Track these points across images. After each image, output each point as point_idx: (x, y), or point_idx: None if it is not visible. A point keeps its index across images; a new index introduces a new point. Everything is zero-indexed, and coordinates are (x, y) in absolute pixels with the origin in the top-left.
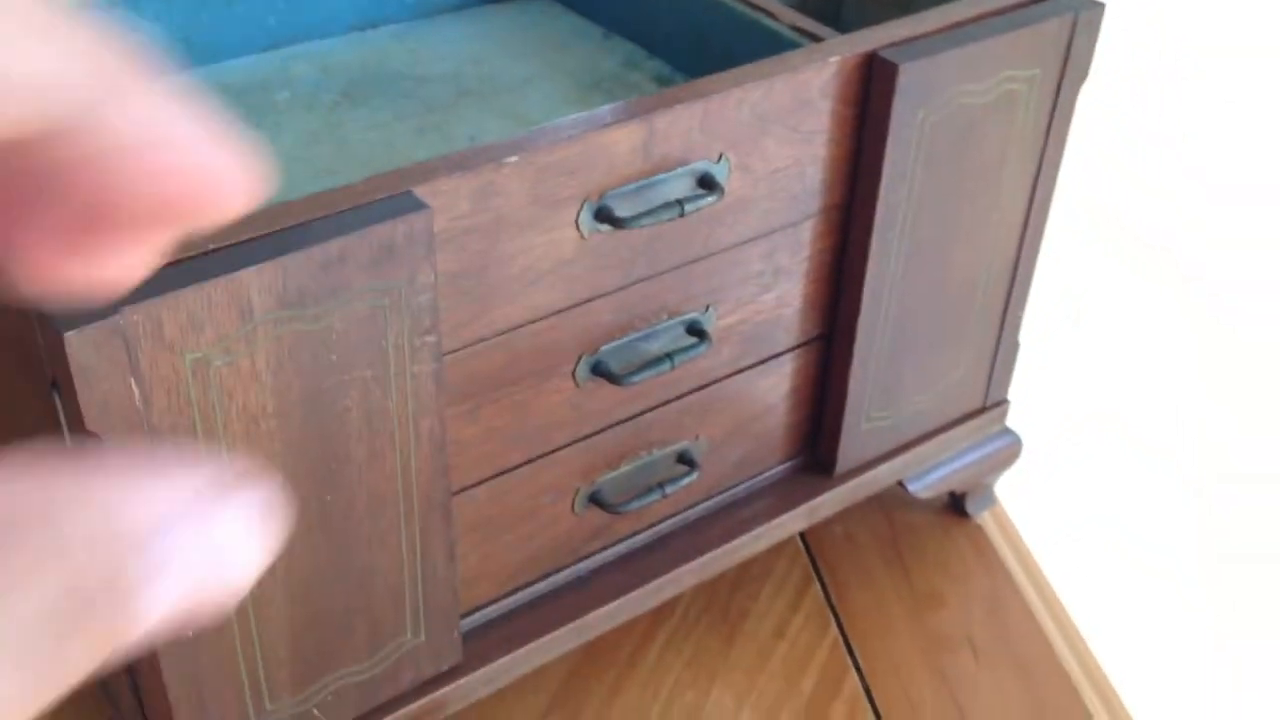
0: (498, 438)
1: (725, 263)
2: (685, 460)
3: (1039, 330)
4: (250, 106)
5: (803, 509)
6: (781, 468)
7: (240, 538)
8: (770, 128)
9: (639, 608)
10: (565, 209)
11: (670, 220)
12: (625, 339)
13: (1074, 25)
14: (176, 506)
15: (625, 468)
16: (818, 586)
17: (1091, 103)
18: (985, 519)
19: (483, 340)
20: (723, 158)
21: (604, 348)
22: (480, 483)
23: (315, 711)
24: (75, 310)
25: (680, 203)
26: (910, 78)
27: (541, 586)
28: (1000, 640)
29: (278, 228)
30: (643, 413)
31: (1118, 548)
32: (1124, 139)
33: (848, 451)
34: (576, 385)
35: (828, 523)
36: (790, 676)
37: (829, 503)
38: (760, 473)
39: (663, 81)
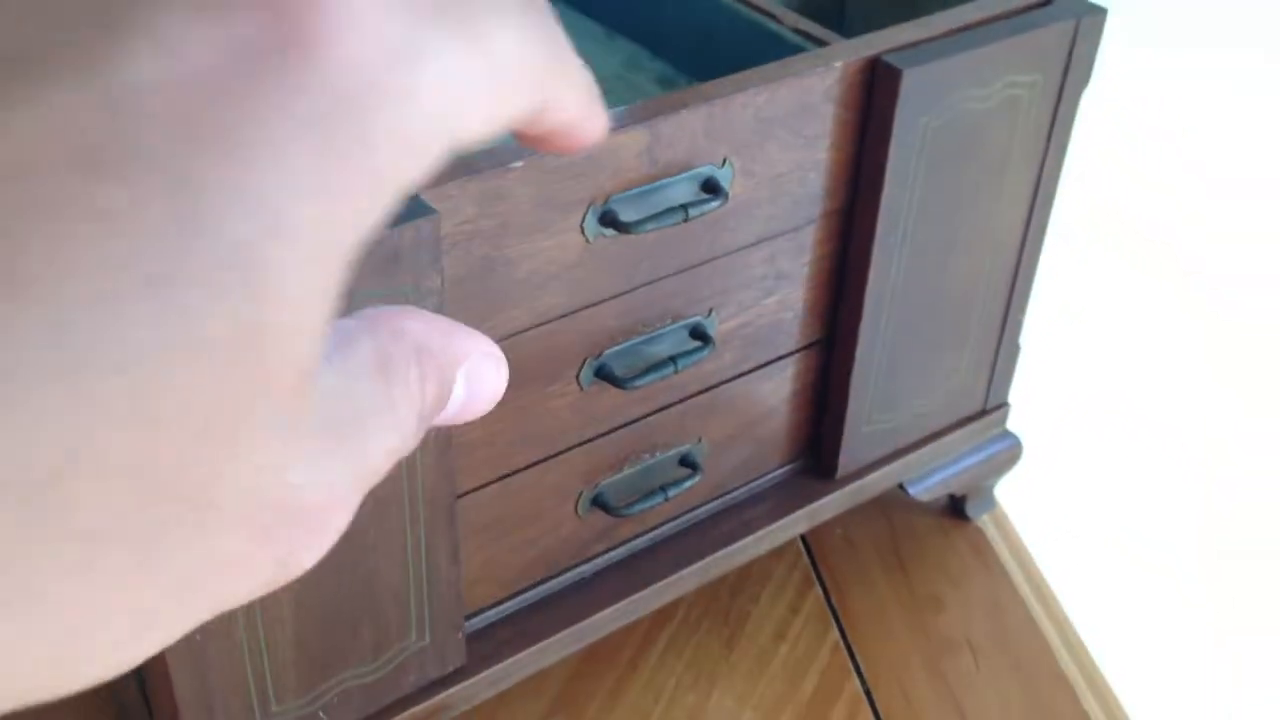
0: (502, 441)
1: (728, 267)
2: (687, 463)
3: (1040, 333)
4: None
5: (804, 512)
6: (783, 470)
7: (494, 375)
8: (773, 132)
9: (641, 610)
10: (570, 213)
11: (674, 225)
12: (629, 343)
13: (1076, 30)
14: (473, 345)
15: (628, 470)
16: (818, 589)
17: (1093, 106)
18: (985, 521)
19: None
20: (726, 162)
21: (608, 351)
22: (484, 485)
23: (321, 713)
24: None
25: (685, 207)
26: (913, 83)
27: (545, 589)
28: (1000, 642)
29: None
30: (646, 416)
31: (1117, 550)
32: (1125, 142)
33: (849, 454)
34: (580, 389)
35: (828, 525)
36: (791, 679)
37: (830, 505)
38: (761, 475)
39: (666, 83)
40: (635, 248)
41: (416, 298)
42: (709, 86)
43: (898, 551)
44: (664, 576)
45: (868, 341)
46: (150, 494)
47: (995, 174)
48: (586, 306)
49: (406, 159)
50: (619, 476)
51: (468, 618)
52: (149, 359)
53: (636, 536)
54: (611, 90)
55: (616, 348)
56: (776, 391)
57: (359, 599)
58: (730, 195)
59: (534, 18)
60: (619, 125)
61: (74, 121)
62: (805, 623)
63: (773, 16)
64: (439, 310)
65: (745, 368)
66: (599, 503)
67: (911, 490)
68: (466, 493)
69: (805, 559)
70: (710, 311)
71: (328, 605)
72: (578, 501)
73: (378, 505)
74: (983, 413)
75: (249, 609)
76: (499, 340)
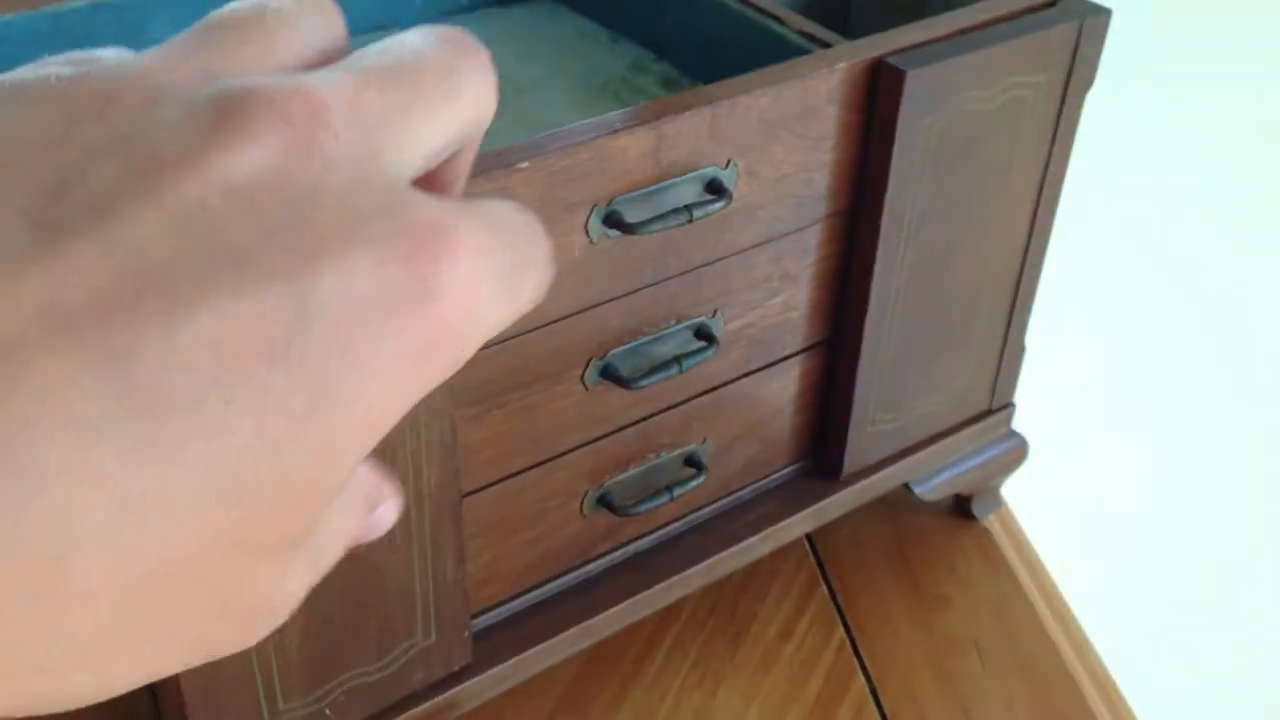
0: (507, 441)
1: (733, 268)
2: (693, 463)
3: (1045, 333)
4: None
5: (809, 511)
6: (788, 470)
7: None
8: (778, 134)
9: (647, 609)
10: (575, 214)
11: (679, 226)
12: (634, 343)
13: (1080, 32)
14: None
15: (633, 470)
16: (824, 589)
17: (1097, 107)
18: (991, 521)
19: (494, 344)
20: (731, 163)
21: (613, 352)
22: (489, 485)
23: (327, 711)
24: None
25: (689, 208)
26: (917, 84)
27: (550, 588)
28: (1006, 643)
29: None
30: (651, 416)
31: (1123, 549)
32: (1129, 142)
33: (854, 454)
34: (585, 389)
35: (834, 525)
36: (797, 679)
37: (835, 505)
38: (767, 475)
39: (670, 85)
40: (640, 248)
41: None
42: (713, 88)
43: (903, 551)
44: (669, 576)
45: (873, 342)
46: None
47: (1000, 175)
48: (591, 307)
49: (442, 376)
50: (624, 476)
51: (473, 617)
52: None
53: (642, 536)
54: (616, 92)
55: (621, 348)
56: (782, 392)
57: (366, 598)
58: (734, 196)
59: (547, 264)
60: (624, 127)
61: (268, 317)
62: (811, 622)
63: (777, 19)
64: None
65: (750, 368)
66: (604, 502)
67: (917, 490)
68: (471, 492)
69: (811, 558)
70: (715, 312)
71: (334, 604)
72: (583, 501)
73: None
74: (988, 413)
75: None
76: (504, 341)
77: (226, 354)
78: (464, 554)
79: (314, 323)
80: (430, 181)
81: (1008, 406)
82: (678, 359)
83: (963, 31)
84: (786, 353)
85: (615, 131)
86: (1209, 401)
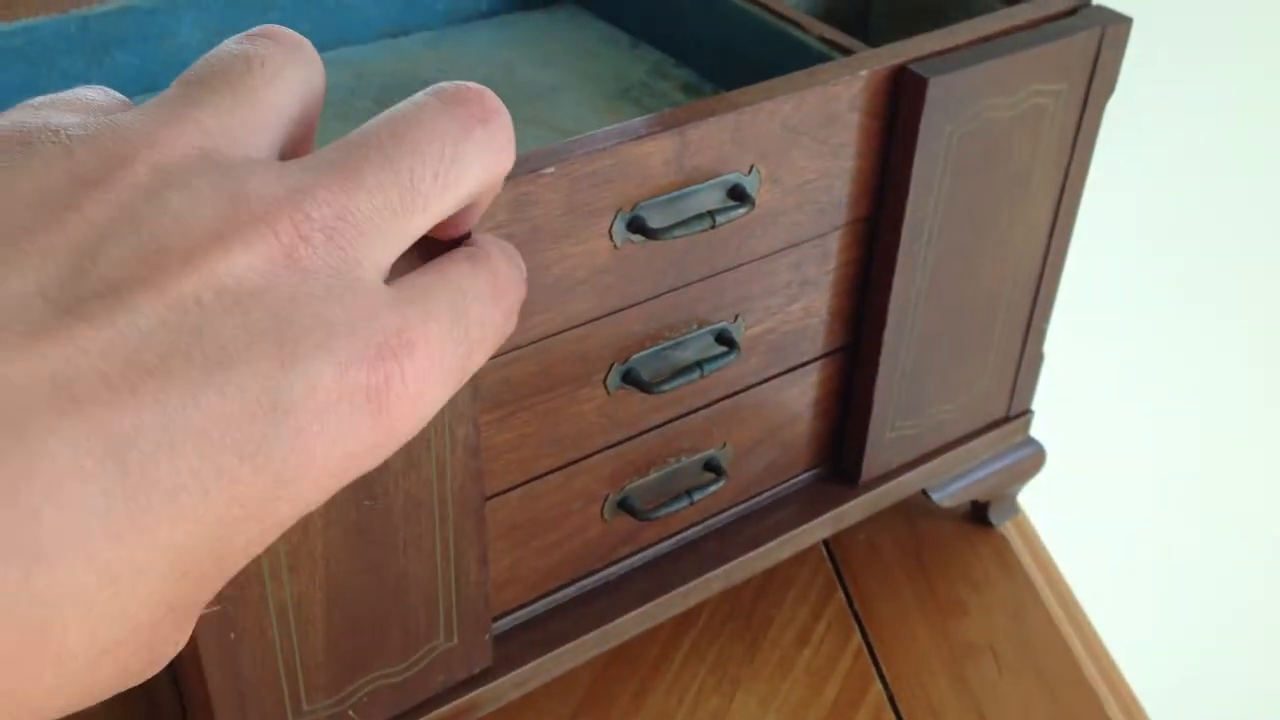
0: (530, 444)
1: (754, 273)
2: (712, 467)
3: (1064, 341)
4: None
5: (827, 517)
6: (806, 476)
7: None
8: (799, 140)
9: (665, 613)
10: (599, 219)
11: (701, 231)
12: (656, 348)
13: (1101, 39)
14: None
15: (654, 475)
16: (841, 594)
17: (1118, 115)
18: (1008, 528)
19: (518, 348)
20: (753, 169)
21: (635, 356)
22: (512, 489)
23: (350, 712)
24: None
25: (712, 214)
26: (939, 91)
27: (570, 591)
28: (1023, 649)
29: None
30: (672, 420)
31: (1140, 557)
32: (1149, 150)
33: (872, 460)
34: (607, 393)
35: (851, 531)
36: (814, 684)
37: (853, 511)
38: (785, 481)
39: (691, 90)
40: (662, 254)
41: None
42: (737, 94)
43: (920, 557)
44: (688, 580)
45: (892, 348)
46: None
47: (1020, 182)
48: (614, 312)
49: (374, 465)
50: (644, 481)
51: (494, 619)
52: None
53: (661, 540)
54: (637, 98)
55: (643, 353)
56: (801, 397)
57: (389, 600)
58: (757, 202)
59: (510, 322)
60: (648, 132)
61: (245, 416)
62: (828, 627)
63: (797, 24)
64: None
65: (770, 373)
66: (624, 506)
67: (935, 496)
68: (493, 496)
69: (828, 564)
70: (736, 317)
71: (359, 606)
72: (603, 505)
73: (409, 507)
74: (1006, 420)
75: (281, 608)
76: (528, 345)
77: (209, 447)
78: (486, 557)
79: (282, 425)
80: (440, 227)
81: (1026, 413)
82: (699, 364)
83: (984, 39)
84: (806, 358)
85: (639, 137)
86: (1228, 408)
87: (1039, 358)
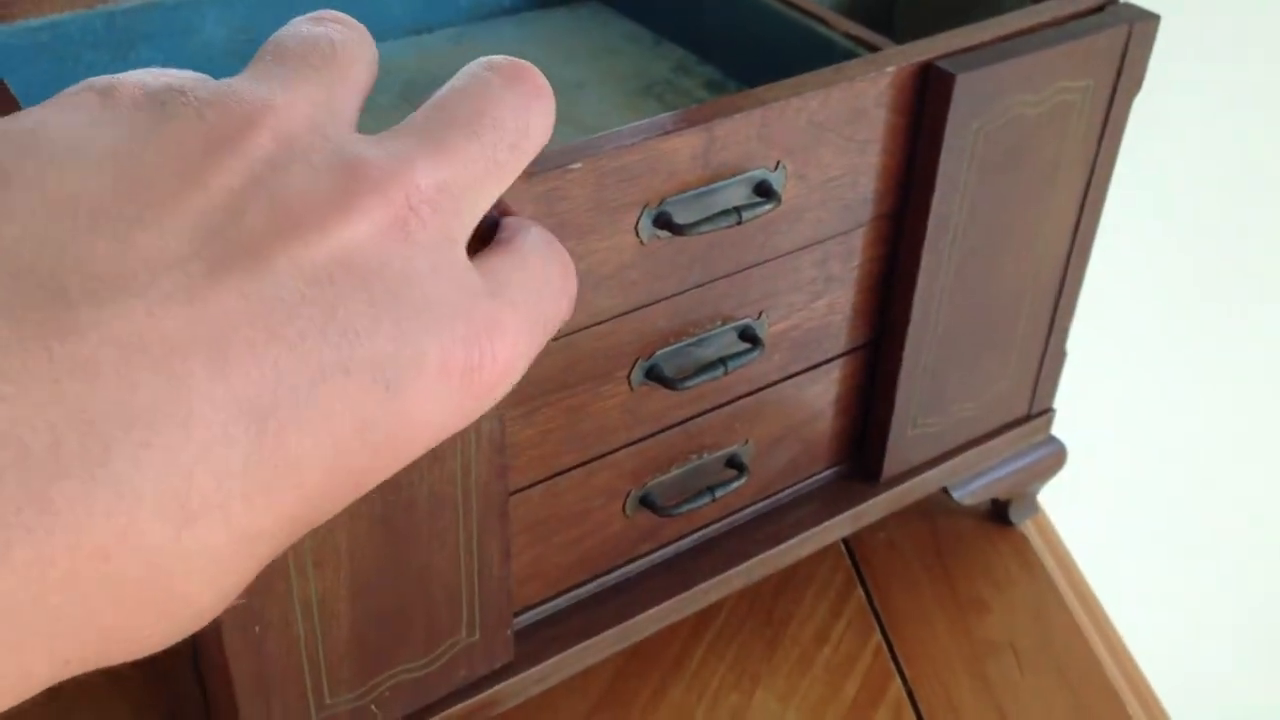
0: (553, 440)
1: (778, 270)
2: (734, 464)
3: (1086, 339)
4: None
5: (848, 514)
6: (828, 473)
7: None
8: (826, 136)
9: (686, 610)
10: (626, 215)
11: (728, 227)
12: (680, 344)
13: (1129, 36)
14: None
15: (675, 471)
16: (861, 592)
17: (1145, 112)
18: (1028, 527)
19: None
20: (779, 166)
21: (659, 352)
22: (534, 484)
23: (372, 707)
24: None
25: (738, 210)
26: (966, 88)
27: (591, 587)
28: (1043, 647)
29: None
30: (694, 417)
31: (1162, 556)
32: (1176, 148)
33: (894, 458)
34: (631, 389)
35: (871, 529)
36: (833, 681)
37: (874, 508)
38: (807, 478)
39: (714, 87)
40: (688, 250)
41: None
42: (763, 90)
43: (941, 555)
44: (709, 577)
45: (915, 345)
46: None
47: (1046, 179)
48: (639, 307)
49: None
50: (666, 477)
51: (515, 615)
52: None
53: (682, 537)
54: (660, 95)
55: (667, 349)
56: (823, 394)
57: (412, 595)
58: (782, 199)
59: (569, 308)
60: (675, 128)
61: (363, 395)
62: (848, 625)
63: (822, 21)
64: None
65: (793, 370)
66: (646, 503)
67: (955, 494)
68: (516, 491)
69: (848, 561)
70: (760, 314)
71: (382, 600)
72: (625, 501)
73: (433, 503)
74: (1028, 418)
75: (306, 603)
76: (553, 340)
77: (332, 423)
78: (509, 552)
79: (392, 404)
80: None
81: (1047, 412)
82: (722, 360)
83: (1011, 36)
84: (829, 355)
85: (666, 133)
86: (1250, 406)
87: (1061, 356)
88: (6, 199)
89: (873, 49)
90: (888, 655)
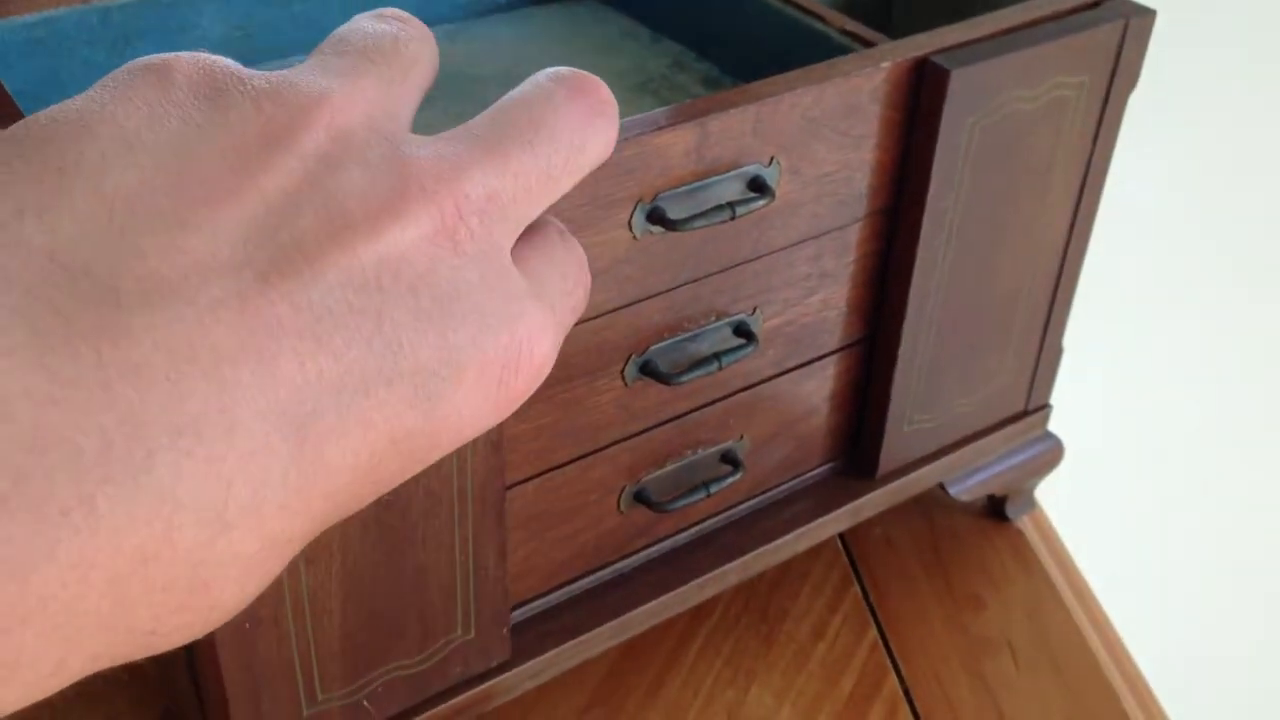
0: (547, 435)
1: (773, 265)
2: (729, 460)
3: (1083, 335)
4: None
5: (844, 510)
6: (823, 469)
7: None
8: (820, 132)
9: (681, 605)
10: (619, 210)
11: (721, 223)
12: (674, 339)
13: (1124, 32)
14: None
15: (670, 466)
16: (857, 588)
17: (1140, 108)
18: (1025, 523)
19: None
20: (773, 161)
21: (653, 348)
22: (529, 479)
23: (365, 703)
24: None
25: (731, 205)
26: (962, 84)
27: (586, 583)
28: (1040, 644)
29: None
30: (689, 412)
31: (1158, 553)
32: (1171, 143)
33: (889, 454)
34: (625, 384)
35: (867, 524)
36: (829, 677)
37: (870, 504)
38: (802, 473)
39: (711, 84)
40: (682, 245)
41: None
42: (757, 86)
43: (937, 551)
44: (704, 572)
45: (910, 341)
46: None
47: (1041, 174)
48: (633, 303)
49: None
50: (661, 472)
51: (510, 610)
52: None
53: (677, 532)
54: (657, 91)
55: (661, 344)
56: (818, 390)
57: (406, 593)
58: (776, 194)
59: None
60: (669, 124)
61: (404, 406)
62: (844, 621)
63: (819, 17)
64: None
65: (788, 366)
66: (641, 498)
67: (952, 490)
68: (510, 486)
69: (844, 557)
70: (754, 309)
71: (375, 599)
72: (620, 497)
73: (428, 501)
74: (1024, 414)
75: (297, 600)
76: None
77: (371, 434)
78: (505, 549)
79: (431, 414)
80: None
81: (1044, 408)
82: (717, 356)
83: (1007, 31)
84: (824, 351)
85: (660, 128)
86: (1248, 403)
87: (1058, 352)
88: (65, 195)
89: (868, 45)
90: (884, 651)
